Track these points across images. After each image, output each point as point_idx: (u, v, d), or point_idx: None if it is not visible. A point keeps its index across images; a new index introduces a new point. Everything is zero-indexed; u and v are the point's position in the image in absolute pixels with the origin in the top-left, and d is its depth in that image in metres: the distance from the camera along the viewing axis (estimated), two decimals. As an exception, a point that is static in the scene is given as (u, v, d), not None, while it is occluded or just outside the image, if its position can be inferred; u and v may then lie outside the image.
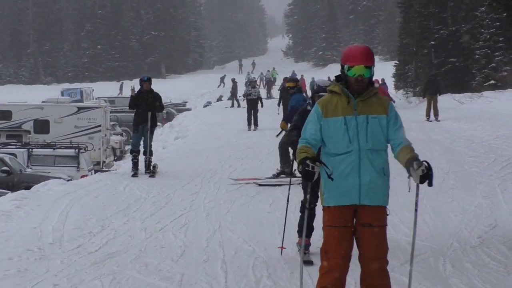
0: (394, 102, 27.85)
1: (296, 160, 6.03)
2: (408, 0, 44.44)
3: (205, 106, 50.84)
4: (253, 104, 28.08)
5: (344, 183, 5.75)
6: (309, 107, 8.55)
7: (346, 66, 5.76)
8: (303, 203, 8.47)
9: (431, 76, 32.07)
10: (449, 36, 40.89)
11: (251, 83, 30.31)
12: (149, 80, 16.29)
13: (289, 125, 15.12)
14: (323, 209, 5.91)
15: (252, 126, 27.67)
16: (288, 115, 15.09)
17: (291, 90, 15.41)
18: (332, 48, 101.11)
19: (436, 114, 27.41)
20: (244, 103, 33.28)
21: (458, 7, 41.23)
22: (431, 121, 27.25)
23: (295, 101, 15.08)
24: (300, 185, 8.84)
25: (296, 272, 7.92)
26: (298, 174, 14.25)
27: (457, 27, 40.92)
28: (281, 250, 8.71)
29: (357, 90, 5.76)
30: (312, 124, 5.90)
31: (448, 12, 41.69)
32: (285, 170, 14.75)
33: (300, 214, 8.75)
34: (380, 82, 31.85)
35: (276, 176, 14.83)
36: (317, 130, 5.86)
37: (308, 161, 5.65)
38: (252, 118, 27.90)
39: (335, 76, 5.99)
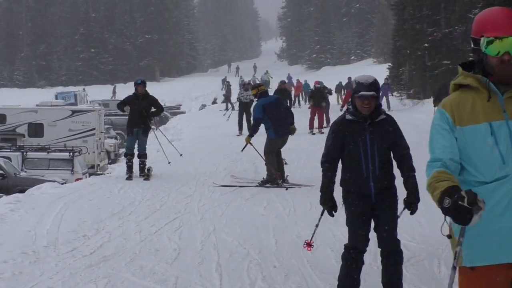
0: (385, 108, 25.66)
1: (432, 196, 3.76)
2: (401, 3, 44.56)
3: (200, 109, 50.86)
4: (245, 107, 27.33)
5: (497, 228, 3.71)
6: (348, 116, 6.53)
7: (483, 40, 3.72)
8: (347, 247, 6.61)
9: (443, 83, 27.33)
10: (442, 38, 40.98)
11: (243, 86, 29.66)
12: (143, 83, 16.20)
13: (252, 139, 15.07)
14: (460, 271, 3.86)
15: (246, 131, 26.55)
16: (252, 128, 15.12)
17: (255, 98, 15.26)
18: (326, 51, 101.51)
19: None
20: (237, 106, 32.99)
21: (452, 9, 41.34)
22: None
23: (255, 111, 14.91)
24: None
25: (291, 275, 7.92)
26: (287, 185, 14.35)
27: (450, 29, 41.03)
28: None
29: (504, 78, 3.72)
30: (443, 137, 3.86)
31: (441, 14, 41.79)
32: (269, 179, 14.67)
33: (342, 262, 6.69)
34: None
35: (261, 184, 14.64)
36: (453, 145, 3.81)
37: (463, 193, 3.56)
38: (246, 122, 26.83)
39: (460, 64, 3.98)
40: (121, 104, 16.27)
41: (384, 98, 38.26)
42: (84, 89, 68.46)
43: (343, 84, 47.98)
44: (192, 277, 7.87)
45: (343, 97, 42.45)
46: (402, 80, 44.85)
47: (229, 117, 28.60)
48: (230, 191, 13.86)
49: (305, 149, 19.54)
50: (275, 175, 14.46)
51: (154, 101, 16.29)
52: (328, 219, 10.87)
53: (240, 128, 26.99)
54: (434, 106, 24.38)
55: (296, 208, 11.86)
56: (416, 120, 27.85)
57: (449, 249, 8.73)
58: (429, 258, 8.41)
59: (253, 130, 15.02)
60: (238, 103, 29.05)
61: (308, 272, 7.97)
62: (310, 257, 8.53)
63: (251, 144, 15.03)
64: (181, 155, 18.54)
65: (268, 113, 14.60)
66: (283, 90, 28.02)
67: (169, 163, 16.93)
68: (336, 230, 9.96)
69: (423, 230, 9.89)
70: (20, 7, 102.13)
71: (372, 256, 8.45)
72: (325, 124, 26.40)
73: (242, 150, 15.48)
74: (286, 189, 13.91)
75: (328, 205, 6.58)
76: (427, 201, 11.98)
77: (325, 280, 7.64)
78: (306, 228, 10.23)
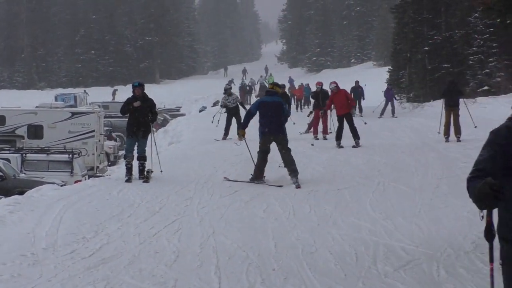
0: (354, 110, 23.81)
1: None
2: (402, 6, 44.61)
3: (200, 111, 50.82)
4: (232, 113, 26.44)
5: None
6: None
7: None
8: None
9: (450, 83, 23.54)
10: (442, 41, 41.03)
11: (225, 91, 27.83)
12: (140, 86, 16.21)
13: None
14: None
15: (237, 137, 25.39)
16: (243, 120, 16.04)
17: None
18: (326, 54, 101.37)
19: (458, 133, 21.79)
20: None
21: (452, 13, 41.39)
22: (449, 141, 21.51)
23: (252, 105, 16.26)
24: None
25: (290, 278, 7.91)
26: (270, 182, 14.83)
27: (450, 33, 41.08)
28: None
29: None
30: None
31: (441, 18, 41.84)
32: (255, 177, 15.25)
33: None
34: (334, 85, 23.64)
35: (250, 181, 15.24)
36: None
37: None
38: (237, 127, 25.10)
39: None
40: (126, 110, 16.30)
41: (389, 104, 36.61)
42: (84, 90, 68.36)
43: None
44: (191, 279, 7.87)
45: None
46: (402, 84, 44.87)
47: (218, 122, 27.30)
48: (229, 194, 13.84)
49: (304, 152, 19.53)
50: (256, 174, 15.20)
51: (152, 105, 16.28)
52: (328, 222, 10.89)
53: (226, 134, 25.90)
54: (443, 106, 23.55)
55: (296, 211, 11.84)
56: (416, 123, 27.83)
57: (448, 253, 8.74)
58: (428, 261, 8.40)
59: (243, 122, 15.84)
60: (224, 108, 27.46)
61: (307, 275, 7.96)
62: (309, 260, 8.53)
63: (244, 138, 15.85)
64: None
65: (261, 110, 15.35)
66: (281, 94, 27.39)
67: (161, 171, 16.61)
68: (335, 233, 9.96)
69: (422, 233, 9.88)
70: (20, 8, 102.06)
71: (371, 259, 8.45)
72: (330, 130, 24.87)
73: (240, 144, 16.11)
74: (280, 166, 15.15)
75: (491, 187, 4.18)
76: (427, 206, 12.02)
77: (324, 283, 7.63)
78: (305, 231, 10.22)
